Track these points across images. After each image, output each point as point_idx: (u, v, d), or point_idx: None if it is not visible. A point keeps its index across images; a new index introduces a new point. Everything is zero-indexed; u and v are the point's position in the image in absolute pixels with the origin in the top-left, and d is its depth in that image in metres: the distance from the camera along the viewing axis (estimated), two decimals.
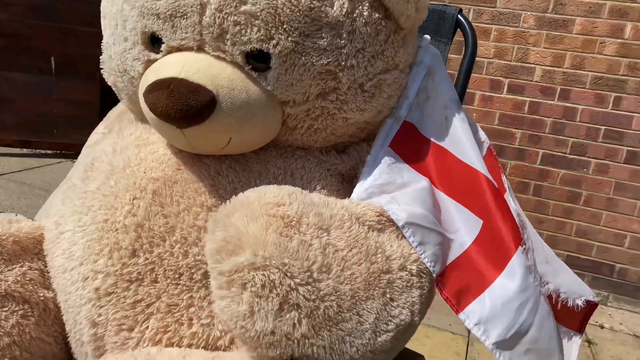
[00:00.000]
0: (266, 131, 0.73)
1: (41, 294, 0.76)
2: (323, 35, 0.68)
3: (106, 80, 0.85)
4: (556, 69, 2.48)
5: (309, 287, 0.60)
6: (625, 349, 2.20)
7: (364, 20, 0.70)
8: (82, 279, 0.71)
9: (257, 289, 0.59)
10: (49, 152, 3.84)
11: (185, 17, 0.67)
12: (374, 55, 0.72)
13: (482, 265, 0.73)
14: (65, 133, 3.78)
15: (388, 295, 0.65)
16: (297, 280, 0.60)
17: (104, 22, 0.79)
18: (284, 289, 0.59)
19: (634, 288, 2.52)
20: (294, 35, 0.67)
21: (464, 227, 0.76)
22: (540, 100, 2.53)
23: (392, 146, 0.78)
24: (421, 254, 0.71)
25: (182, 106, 0.64)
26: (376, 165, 0.76)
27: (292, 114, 0.73)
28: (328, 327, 0.61)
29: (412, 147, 0.80)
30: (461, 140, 0.81)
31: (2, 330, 0.70)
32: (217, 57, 0.68)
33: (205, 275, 0.70)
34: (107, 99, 3.62)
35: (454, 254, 0.75)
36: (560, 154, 2.54)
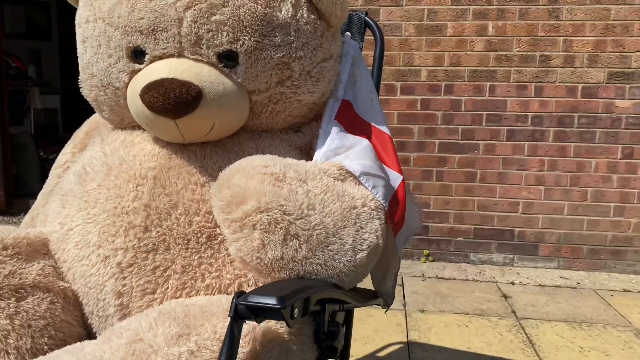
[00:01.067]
0: (239, 116, 0.90)
1: (60, 285, 0.87)
2: (276, 34, 0.87)
3: (86, 97, 0.98)
4: (438, 68, 2.85)
5: (303, 220, 0.78)
6: (534, 296, 2.55)
7: (304, 21, 0.90)
8: (103, 259, 0.84)
9: (265, 226, 0.76)
10: None
11: (165, 30, 0.83)
12: (315, 47, 0.92)
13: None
14: None
15: (358, 224, 0.85)
16: (294, 216, 0.77)
17: (83, 46, 0.93)
18: (285, 224, 0.76)
19: (532, 246, 2.91)
20: (255, 35, 0.85)
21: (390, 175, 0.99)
22: (429, 97, 2.89)
23: (337, 119, 0.99)
24: (375, 194, 0.91)
25: (177, 99, 0.80)
26: (327, 135, 0.96)
27: (258, 101, 0.91)
28: (321, 249, 0.79)
29: (351, 119, 1.01)
30: (379, 116, 1.05)
31: (39, 314, 0.81)
32: (196, 60, 0.85)
33: (209, 237, 0.85)
34: (8, 155, 3.51)
35: (390, 192, 0.97)
36: (453, 141, 2.90)
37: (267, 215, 0.76)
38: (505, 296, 2.54)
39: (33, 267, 0.85)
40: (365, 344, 1.99)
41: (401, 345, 2.03)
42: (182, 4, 0.82)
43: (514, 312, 2.36)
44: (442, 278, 2.77)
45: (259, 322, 0.66)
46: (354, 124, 1.02)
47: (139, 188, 0.86)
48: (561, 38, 2.74)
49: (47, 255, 0.91)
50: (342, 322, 0.97)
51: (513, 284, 2.71)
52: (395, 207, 0.96)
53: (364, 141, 0.98)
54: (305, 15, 0.90)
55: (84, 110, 0.99)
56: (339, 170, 0.90)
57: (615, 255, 2.86)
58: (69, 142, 1.14)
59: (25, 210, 3.40)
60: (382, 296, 1.10)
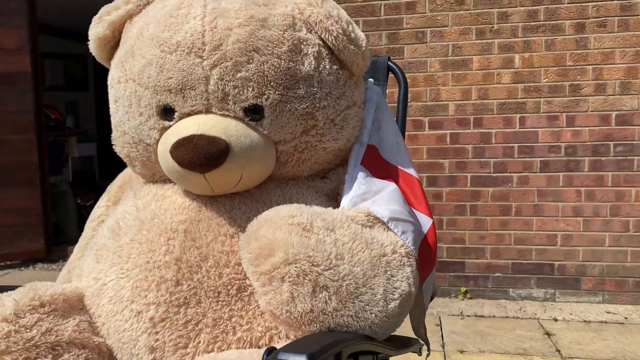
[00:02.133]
0: (266, 166, 0.92)
1: (95, 340, 0.88)
2: (300, 86, 0.89)
3: (119, 154, 1.01)
4: (466, 102, 2.84)
5: (332, 271, 0.77)
6: (579, 333, 2.45)
7: (327, 72, 0.91)
8: (136, 314, 0.85)
9: (293, 278, 0.75)
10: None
11: (193, 88, 0.86)
12: (339, 96, 0.93)
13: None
14: (9, 243, 3.73)
15: (389, 272, 0.84)
16: (322, 267, 0.77)
17: (115, 106, 0.96)
18: (314, 275, 0.76)
19: (574, 279, 2.81)
20: (279, 89, 0.87)
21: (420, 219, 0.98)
22: (459, 131, 2.87)
23: (362, 164, 0.99)
24: (405, 240, 0.90)
25: (205, 154, 0.81)
26: (353, 181, 0.96)
27: (284, 151, 0.92)
28: (352, 300, 0.78)
29: (377, 164, 1.01)
30: (406, 159, 1.05)
31: None
32: (223, 115, 0.87)
33: (239, 289, 0.85)
34: (48, 204, 3.63)
35: (420, 237, 0.95)
36: (485, 174, 2.86)
37: (295, 267, 0.76)
38: (548, 334, 2.45)
39: (69, 323, 0.86)
40: None
41: None
42: (208, 63, 0.85)
43: (558, 350, 2.27)
44: (481, 316, 2.69)
45: None
46: (381, 168, 1.02)
47: (170, 242, 0.87)
48: (590, 67, 2.70)
49: (83, 310, 0.92)
50: None
51: (556, 320, 2.62)
52: (426, 253, 0.95)
53: (392, 185, 0.98)
54: (327, 66, 0.91)
55: (119, 158, 1.03)
56: (366, 216, 0.89)
57: None
58: (104, 195, 1.17)
59: (64, 257, 3.48)
60: (420, 339, 1.08)
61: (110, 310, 0.88)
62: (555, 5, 2.71)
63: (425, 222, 0.98)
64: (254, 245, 0.78)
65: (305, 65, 0.89)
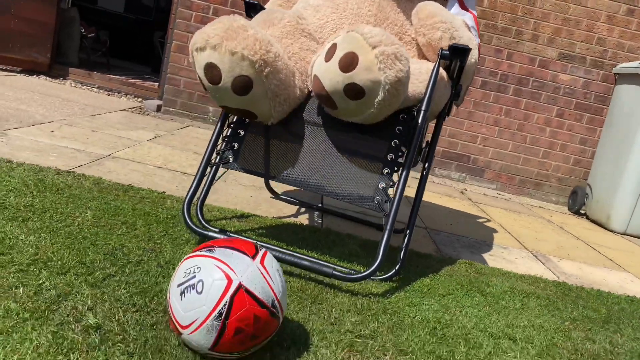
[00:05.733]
0: None
1: None
2: None
3: None
4: None
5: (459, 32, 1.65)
6: (482, 197, 3.57)
7: None
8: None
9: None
10: (1, 66, 4.10)
11: None
12: None
13: None
14: (19, 50, 4.09)
15: (473, 41, 1.73)
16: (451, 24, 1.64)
17: None
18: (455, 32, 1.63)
19: (481, 170, 3.94)
20: None
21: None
22: None
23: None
24: (475, 36, 1.80)
25: None
26: (452, 5, 1.83)
27: None
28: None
29: (462, 2, 1.89)
30: (472, 5, 1.94)
31: None
32: None
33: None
34: (60, 21, 4.07)
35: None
36: None
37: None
38: (462, 192, 3.54)
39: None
40: None
41: None
42: None
43: (469, 199, 3.37)
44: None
45: None
46: (463, 3, 1.89)
47: (369, 6, 1.68)
48: (532, 20, 3.75)
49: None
50: None
51: (466, 190, 3.73)
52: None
53: (469, 14, 1.86)
54: None
55: None
56: (464, 24, 1.77)
57: (536, 187, 3.96)
58: None
59: (63, 76, 3.98)
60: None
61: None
62: None
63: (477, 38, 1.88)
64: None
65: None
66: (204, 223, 1.53)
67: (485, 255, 2.10)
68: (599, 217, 3.42)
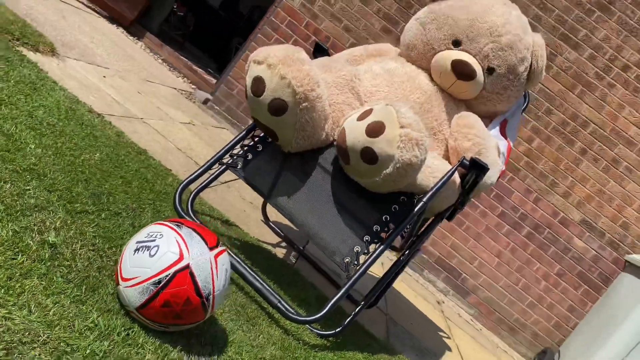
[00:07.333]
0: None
1: None
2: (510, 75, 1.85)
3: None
4: None
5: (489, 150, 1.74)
6: (451, 313, 3.57)
7: (523, 78, 1.87)
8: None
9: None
10: (93, 6, 4.36)
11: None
12: (518, 89, 1.90)
13: None
14: None
15: (498, 167, 1.81)
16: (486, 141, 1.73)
17: None
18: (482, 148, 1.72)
19: (465, 291, 3.95)
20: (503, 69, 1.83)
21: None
22: None
23: (500, 123, 1.96)
24: (502, 163, 1.88)
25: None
26: (494, 127, 1.93)
27: (484, 95, 1.87)
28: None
29: (503, 127, 1.99)
30: (513, 136, 2.03)
31: None
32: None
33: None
34: None
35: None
36: None
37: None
38: (439, 302, 3.55)
39: None
40: None
41: None
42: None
43: (442, 311, 3.37)
44: None
45: None
46: (503, 129, 2.00)
47: (418, 97, 1.79)
48: (570, 178, 3.84)
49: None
50: None
51: (443, 302, 3.73)
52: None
53: (505, 141, 1.96)
54: (525, 75, 1.87)
55: None
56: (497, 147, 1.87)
57: (511, 331, 3.94)
58: (361, 47, 2.06)
59: (139, 36, 4.17)
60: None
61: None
62: None
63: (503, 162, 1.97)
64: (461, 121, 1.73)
65: (521, 68, 1.84)
66: (189, 210, 1.61)
67: None
68: None
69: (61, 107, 1.72)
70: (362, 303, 1.62)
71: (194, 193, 1.66)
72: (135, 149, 1.87)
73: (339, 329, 1.54)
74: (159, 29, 4.91)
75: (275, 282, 1.67)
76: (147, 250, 0.95)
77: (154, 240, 0.96)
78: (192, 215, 1.58)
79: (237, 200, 2.30)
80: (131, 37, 4.38)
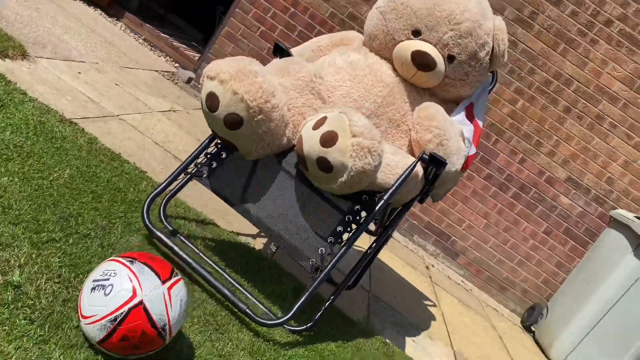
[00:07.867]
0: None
1: None
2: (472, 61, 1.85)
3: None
4: None
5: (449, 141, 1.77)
6: (440, 277, 3.67)
7: (486, 62, 1.88)
8: (355, 104, 1.79)
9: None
10: None
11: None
12: (481, 74, 1.91)
13: None
14: None
15: (462, 153, 1.85)
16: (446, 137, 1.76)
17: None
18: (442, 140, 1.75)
19: (455, 253, 4.05)
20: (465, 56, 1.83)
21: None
22: None
23: (466, 108, 1.98)
24: (468, 149, 1.92)
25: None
26: (459, 113, 1.95)
27: (448, 82, 1.88)
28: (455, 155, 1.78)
29: (470, 112, 2.01)
30: (480, 117, 2.05)
31: None
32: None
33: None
34: None
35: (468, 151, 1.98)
36: None
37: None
38: (427, 267, 3.65)
39: None
40: None
41: None
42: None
43: (430, 277, 3.47)
44: None
45: None
46: (470, 114, 2.02)
47: (380, 91, 1.81)
48: (555, 137, 3.86)
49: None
50: None
51: (433, 266, 3.83)
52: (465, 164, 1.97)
53: (471, 126, 1.99)
54: (487, 59, 1.88)
55: None
56: (461, 133, 1.89)
57: (500, 289, 4.05)
58: (326, 36, 2.06)
59: (118, 16, 4.13)
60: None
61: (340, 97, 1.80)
62: None
63: (472, 149, 2.00)
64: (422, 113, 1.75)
65: (482, 53, 1.85)
66: (162, 218, 1.67)
67: (408, 340, 2.21)
68: (544, 341, 3.51)
69: (30, 122, 1.75)
70: (332, 297, 1.69)
71: (164, 201, 1.72)
72: (108, 155, 1.91)
73: (310, 324, 1.62)
74: (139, 3, 4.84)
75: (250, 280, 1.75)
76: (102, 289, 1.01)
77: (108, 279, 1.02)
78: (165, 223, 1.64)
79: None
80: (110, 19, 4.34)
